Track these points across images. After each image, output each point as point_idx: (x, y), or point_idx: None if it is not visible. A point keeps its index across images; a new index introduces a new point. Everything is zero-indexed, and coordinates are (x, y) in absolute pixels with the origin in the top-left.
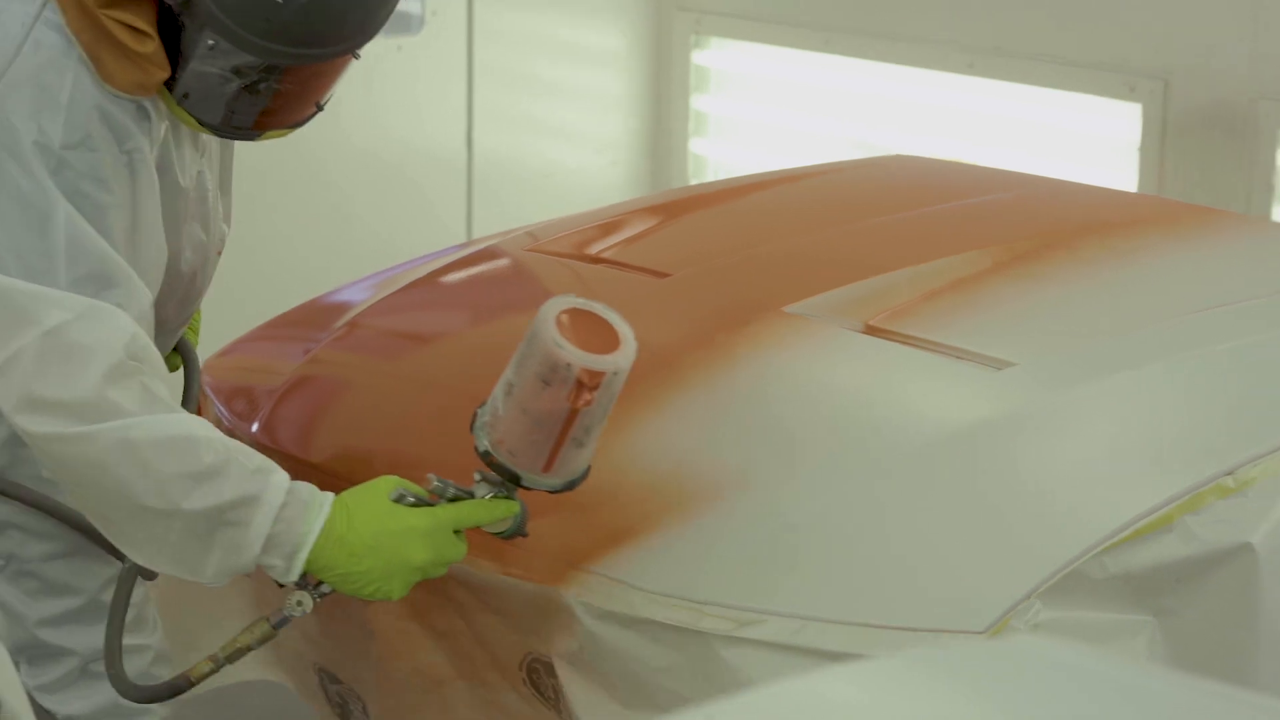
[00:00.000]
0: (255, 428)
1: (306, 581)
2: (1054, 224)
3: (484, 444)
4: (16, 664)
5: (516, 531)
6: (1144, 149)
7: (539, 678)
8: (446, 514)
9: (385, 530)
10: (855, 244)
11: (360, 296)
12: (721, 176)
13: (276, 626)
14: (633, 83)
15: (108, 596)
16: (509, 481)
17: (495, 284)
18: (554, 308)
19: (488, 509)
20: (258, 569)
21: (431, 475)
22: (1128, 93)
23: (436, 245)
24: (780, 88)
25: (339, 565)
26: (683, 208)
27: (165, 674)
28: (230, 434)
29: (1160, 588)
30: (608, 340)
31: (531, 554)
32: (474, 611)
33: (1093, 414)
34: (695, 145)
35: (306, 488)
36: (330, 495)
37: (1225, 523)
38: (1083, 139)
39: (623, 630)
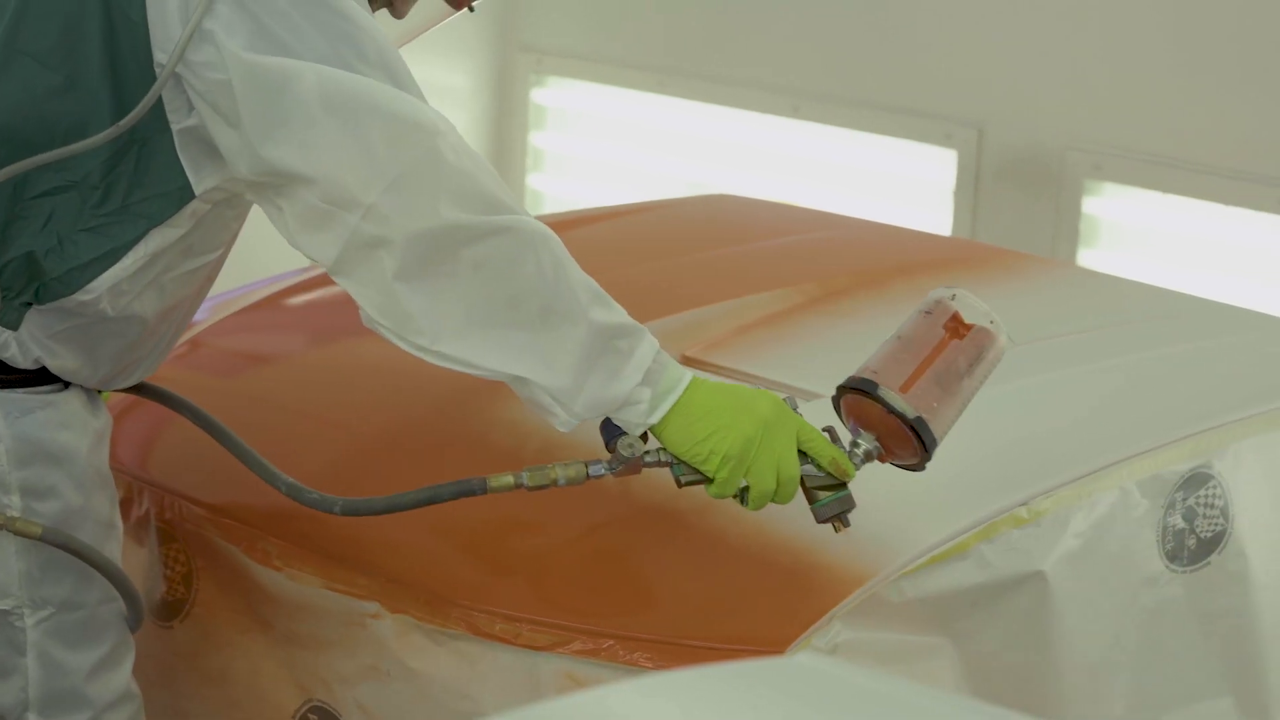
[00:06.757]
0: None
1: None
2: (865, 263)
3: (849, 377)
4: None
5: (838, 511)
6: (958, 193)
7: None
8: (795, 416)
9: (736, 390)
10: (676, 278)
11: (201, 317)
12: (556, 210)
13: (592, 475)
14: (474, 118)
15: (129, 640)
16: (864, 394)
17: (333, 307)
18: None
19: (828, 445)
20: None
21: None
22: (944, 139)
23: (288, 267)
24: (615, 126)
25: (688, 413)
26: None
27: None
28: None
29: (956, 612)
30: None
31: (354, 571)
32: (262, 650)
33: None
34: (533, 180)
35: None
36: None
37: (1018, 551)
38: (901, 182)
39: (436, 646)
